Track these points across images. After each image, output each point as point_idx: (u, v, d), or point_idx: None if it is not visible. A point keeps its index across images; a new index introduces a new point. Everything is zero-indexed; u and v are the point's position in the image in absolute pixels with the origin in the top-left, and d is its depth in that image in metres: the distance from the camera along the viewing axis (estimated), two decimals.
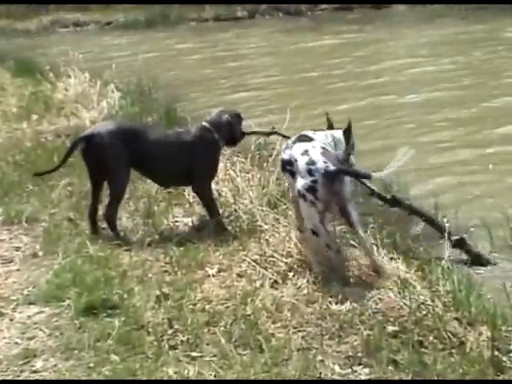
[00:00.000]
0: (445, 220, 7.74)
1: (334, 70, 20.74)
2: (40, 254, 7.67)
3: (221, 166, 9.36)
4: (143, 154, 8.21)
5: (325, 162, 6.94)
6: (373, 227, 8.11)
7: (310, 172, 6.94)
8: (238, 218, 8.40)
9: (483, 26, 26.42)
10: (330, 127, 7.84)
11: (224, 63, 23.24)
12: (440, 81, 18.36)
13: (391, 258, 7.30)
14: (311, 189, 6.93)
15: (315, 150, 7.10)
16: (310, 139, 7.38)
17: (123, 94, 15.04)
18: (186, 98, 16.40)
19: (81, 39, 28.60)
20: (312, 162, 6.97)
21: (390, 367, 5.58)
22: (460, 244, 7.87)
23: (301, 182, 6.99)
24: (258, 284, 6.82)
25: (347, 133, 7.71)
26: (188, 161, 8.28)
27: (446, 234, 7.55)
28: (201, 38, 29.06)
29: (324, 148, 7.23)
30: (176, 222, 8.58)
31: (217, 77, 20.71)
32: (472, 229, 8.86)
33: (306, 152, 7.07)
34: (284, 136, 8.60)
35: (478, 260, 8.01)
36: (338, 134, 7.74)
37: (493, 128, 13.85)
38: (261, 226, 8.03)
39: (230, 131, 8.47)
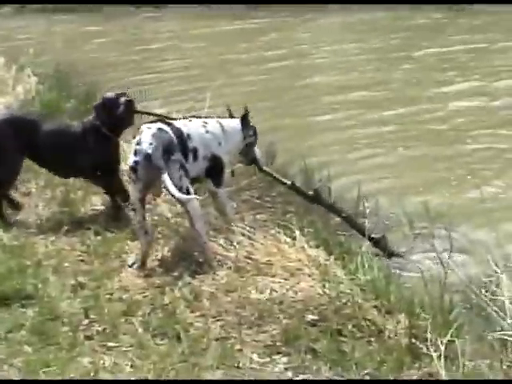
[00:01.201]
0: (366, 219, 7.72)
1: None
2: None
3: None
4: (37, 145, 8.24)
5: (150, 144, 6.97)
6: (293, 215, 8.17)
7: (135, 152, 7.04)
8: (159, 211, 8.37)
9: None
10: (231, 117, 7.90)
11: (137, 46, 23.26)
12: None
13: (311, 247, 7.33)
14: (133, 169, 7.04)
15: (148, 131, 7.12)
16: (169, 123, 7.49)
17: (40, 78, 14.88)
18: (105, 83, 16.28)
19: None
20: (138, 143, 7.05)
21: (308, 356, 5.63)
22: (378, 243, 7.90)
23: (129, 161, 7.14)
24: (176, 273, 6.82)
25: (244, 120, 7.83)
26: (79, 152, 8.25)
27: (366, 232, 7.57)
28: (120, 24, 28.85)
29: (161, 129, 7.21)
30: (94, 210, 8.53)
31: (131, 60, 20.60)
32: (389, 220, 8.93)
33: (140, 132, 7.16)
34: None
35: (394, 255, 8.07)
36: (231, 122, 7.87)
37: None
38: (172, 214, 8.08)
39: (109, 115, 8.30)
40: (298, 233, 7.34)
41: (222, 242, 7.35)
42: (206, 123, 7.70)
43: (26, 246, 7.46)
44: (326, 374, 5.43)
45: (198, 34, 25.49)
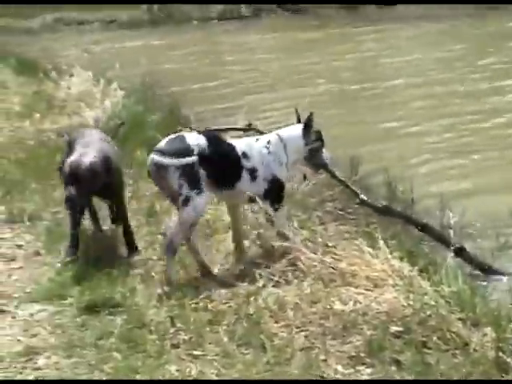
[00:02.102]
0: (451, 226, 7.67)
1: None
2: (42, 252, 7.72)
3: None
4: None
5: (155, 152, 7.05)
6: (376, 226, 8.16)
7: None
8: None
9: None
10: (298, 121, 7.73)
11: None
12: None
13: (394, 258, 7.30)
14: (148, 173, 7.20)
15: (166, 139, 7.23)
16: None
17: (127, 92, 15.00)
18: (189, 96, 16.44)
19: (84, 37, 28.59)
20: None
21: (392, 367, 5.62)
22: (460, 253, 7.83)
23: None
24: (260, 284, 6.83)
25: (307, 127, 7.57)
26: None
27: (450, 238, 7.50)
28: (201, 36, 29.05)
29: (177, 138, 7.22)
30: None
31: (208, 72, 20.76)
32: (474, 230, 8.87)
33: None
34: (260, 132, 8.45)
35: (479, 266, 8.00)
36: (291, 131, 7.65)
37: None
38: (263, 226, 8.04)
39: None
40: (381, 243, 7.30)
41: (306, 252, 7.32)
42: (268, 143, 7.50)
43: (115, 256, 7.57)
44: None
45: (273, 45, 25.63)
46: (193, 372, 5.40)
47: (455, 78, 18.43)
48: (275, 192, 7.44)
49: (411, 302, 6.36)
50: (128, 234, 7.90)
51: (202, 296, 6.63)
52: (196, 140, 7.14)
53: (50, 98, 14.92)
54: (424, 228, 8.32)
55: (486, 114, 14.78)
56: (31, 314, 6.39)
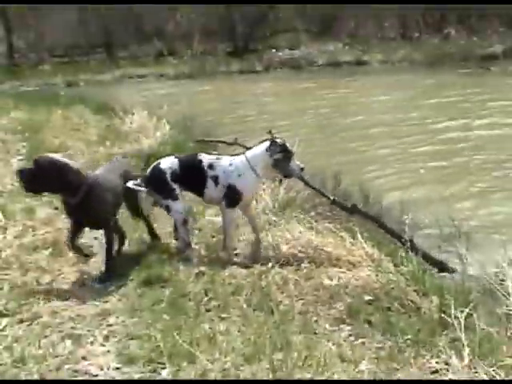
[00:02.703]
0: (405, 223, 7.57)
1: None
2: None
3: None
4: None
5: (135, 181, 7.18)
6: (355, 223, 8.12)
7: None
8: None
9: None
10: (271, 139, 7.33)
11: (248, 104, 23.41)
12: None
13: (368, 246, 7.28)
14: None
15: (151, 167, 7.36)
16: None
17: (172, 126, 15.00)
18: (217, 126, 16.44)
19: (142, 87, 28.62)
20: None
21: (366, 325, 5.61)
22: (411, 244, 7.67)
23: None
24: (270, 265, 6.81)
25: (271, 142, 7.22)
26: None
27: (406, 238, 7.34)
28: (226, 84, 29.06)
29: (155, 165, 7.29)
30: (209, 219, 8.52)
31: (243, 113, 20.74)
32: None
33: None
34: (243, 145, 8.21)
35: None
36: (257, 149, 7.32)
37: None
38: (271, 223, 8.04)
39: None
40: (359, 236, 7.29)
41: (305, 242, 7.31)
42: (233, 159, 7.33)
43: (163, 243, 7.48)
44: (378, 338, 5.41)
45: (278, 91, 25.68)
46: (221, 328, 5.37)
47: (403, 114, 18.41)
48: (230, 195, 7.25)
49: (380, 278, 6.38)
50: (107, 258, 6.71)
51: (226, 274, 6.62)
52: (170, 164, 7.20)
53: (117, 130, 14.88)
54: (380, 224, 8.25)
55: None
56: (104, 287, 6.38)
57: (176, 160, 7.26)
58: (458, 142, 14.27)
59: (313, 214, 8.54)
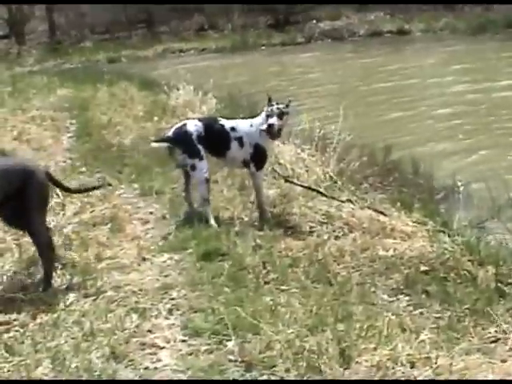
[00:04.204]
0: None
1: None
2: (167, 216, 7.73)
3: (292, 150, 9.41)
4: None
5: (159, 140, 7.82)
6: (406, 195, 8.13)
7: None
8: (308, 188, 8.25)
9: None
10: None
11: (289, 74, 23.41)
12: None
13: (422, 216, 7.30)
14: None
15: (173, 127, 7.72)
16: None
17: (218, 100, 15.05)
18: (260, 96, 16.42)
19: (185, 61, 28.67)
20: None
21: (423, 296, 5.64)
22: None
23: None
24: (325, 237, 6.86)
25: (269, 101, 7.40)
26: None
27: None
28: (270, 59, 28.99)
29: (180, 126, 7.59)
30: None
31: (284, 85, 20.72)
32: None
33: None
34: None
35: None
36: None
37: None
38: (323, 194, 8.05)
39: None
40: (414, 206, 7.31)
41: (358, 214, 7.33)
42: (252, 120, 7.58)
43: (218, 218, 7.50)
44: (436, 308, 5.44)
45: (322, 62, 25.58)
46: (282, 301, 5.41)
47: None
48: (258, 155, 7.50)
49: (434, 249, 6.38)
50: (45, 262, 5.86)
51: (283, 246, 6.65)
52: (194, 126, 7.47)
53: (164, 106, 14.92)
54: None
55: None
56: (163, 261, 6.45)
57: (200, 123, 7.57)
58: None
59: (365, 185, 8.55)
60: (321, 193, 7.99)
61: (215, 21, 38.78)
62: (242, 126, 7.57)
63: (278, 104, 7.38)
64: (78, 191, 6.96)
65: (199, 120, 7.74)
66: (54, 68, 30.36)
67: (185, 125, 7.57)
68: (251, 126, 7.51)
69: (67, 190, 6.46)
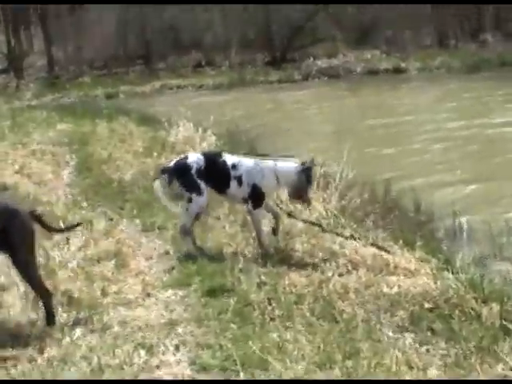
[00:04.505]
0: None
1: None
2: (171, 252, 7.73)
3: None
4: None
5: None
6: (408, 232, 8.16)
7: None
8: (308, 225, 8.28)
9: None
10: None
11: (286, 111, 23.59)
12: None
13: (424, 254, 7.34)
14: None
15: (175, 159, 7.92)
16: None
17: (217, 136, 15.11)
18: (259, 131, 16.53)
19: (182, 98, 28.79)
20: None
21: (429, 333, 5.65)
22: None
23: None
24: (329, 274, 6.87)
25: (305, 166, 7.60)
26: None
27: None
28: (267, 96, 29.15)
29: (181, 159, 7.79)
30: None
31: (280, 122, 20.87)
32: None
33: None
34: None
35: None
36: (286, 164, 7.65)
37: None
38: (323, 229, 8.07)
39: None
40: (417, 244, 7.34)
41: (362, 251, 7.36)
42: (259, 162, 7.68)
43: (221, 254, 7.54)
44: (441, 345, 5.45)
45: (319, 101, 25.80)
46: (288, 337, 5.41)
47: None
48: (255, 194, 7.59)
49: (438, 286, 6.41)
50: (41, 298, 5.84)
51: (287, 283, 6.65)
52: (195, 159, 7.61)
53: (163, 142, 14.96)
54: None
55: None
56: (168, 297, 6.45)
57: (202, 157, 7.70)
58: None
59: (367, 222, 8.58)
60: (324, 229, 8.00)
61: (212, 57, 39.10)
62: (244, 163, 7.66)
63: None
64: (60, 230, 6.86)
65: (202, 154, 7.86)
66: (52, 102, 30.48)
67: (186, 157, 7.74)
68: (255, 165, 7.61)
69: (51, 229, 6.36)
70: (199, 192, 7.52)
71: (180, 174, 7.57)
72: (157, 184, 7.79)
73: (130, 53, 40.73)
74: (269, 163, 7.65)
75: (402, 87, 27.61)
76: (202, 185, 7.52)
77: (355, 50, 35.97)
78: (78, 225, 7.00)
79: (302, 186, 7.58)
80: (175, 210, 7.86)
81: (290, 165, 7.62)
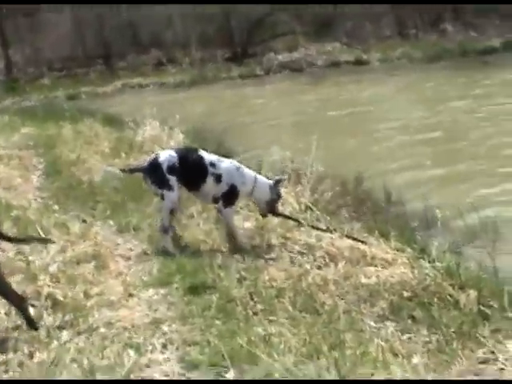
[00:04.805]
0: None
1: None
2: (148, 252, 7.78)
3: None
4: None
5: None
6: (382, 223, 8.29)
7: None
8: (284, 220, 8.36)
9: None
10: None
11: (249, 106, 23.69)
12: None
13: (400, 244, 7.48)
14: None
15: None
16: None
17: (185, 135, 15.13)
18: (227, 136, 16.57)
19: (145, 96, 28.74)
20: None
21: (409, 321, 5.80)
22: None
23: None
24: (307, 267, 6.98)
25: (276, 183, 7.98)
26: None
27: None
28: (230, 92, 29.22)
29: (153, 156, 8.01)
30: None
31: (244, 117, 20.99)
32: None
33: None
34: None
35: None
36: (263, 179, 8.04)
37: None
38: (300, 224, 8.17)
39: None
40: (391, 234, 7.49)
41: (338, 244, 7.48)
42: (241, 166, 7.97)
43: (199, 252, 7.62)
44: (423, 332, 5.59)
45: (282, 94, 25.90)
46: (274, 331, 5.48)
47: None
48: (231, 194, 7.80)
49: (416, 275, 6.55)
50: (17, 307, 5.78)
51: (267, 278, 6.73)
52: (167, 156, 7.76)
53: (130, 142, 14.93)
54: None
55: None
56: (150, 296, 6.49)
57: (175, 153, 7.81)
58: None
59: (340, 215, 8.70)
60: (300, 222, 8.10)
61: (173, 55, 39.00)
62: (226, 163, 7.86)
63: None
64: (21, 241, 6.84)
65: (175, 151, 7.96)
66: (13, 106, 30.23)
67: (157, 155, 7.88)
68: (236, 168, 7.87)
69: (9, 239, 6.31)
70: (170, 188, 7.66)
71: (151, 171, 7.74)
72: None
73: (89, 52, 40.48)
74: (250, 172, 7.95)
75: (363, 79, 27.79)
76: (173, 181, 7.65)
77: (316, 42, 36.15)
78: (48, 240, 7.16)
79: (273, 201, 7.92)
80: None
81: (267, 181, 7.97)
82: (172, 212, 7.82)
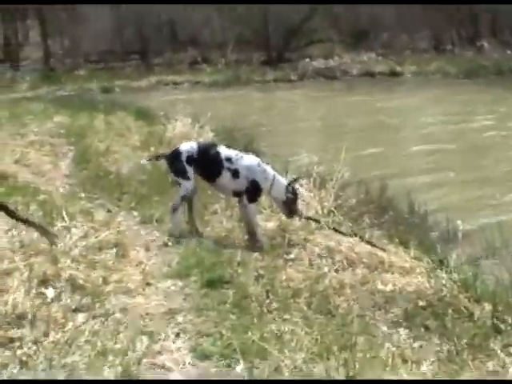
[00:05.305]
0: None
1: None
2: (169, 244, 7.82)
3: None
4: None
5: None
6: (403, 231, 8.29)
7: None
8: (308, 221, 8.39)
9: None
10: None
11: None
12: None
13: (419, 253, 7.49)
14: None
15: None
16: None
17: (215, 133, 15.21)
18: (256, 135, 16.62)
19: (178, 93, 28.91)
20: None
21: (422, 329, 5.80)
22: None
23: None
24: (326, 270, 7.00)
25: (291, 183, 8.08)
26: None
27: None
28: (263, 95, 29.28)
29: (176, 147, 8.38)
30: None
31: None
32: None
33: None
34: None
35: None
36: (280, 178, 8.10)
37: None
38: (320, 224, 8.20)
39: None
40: (411, 243, 7.49)
41: (358, 249, 7.50)
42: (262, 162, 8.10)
43: (220, 248, 7.64)
44: (435, 341, 5.60)
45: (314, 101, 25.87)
46: (286, 329, 5.52)
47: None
48: (254, 189, 7.93)
49: (432, 285, 6.54)
50: None
51: (284, 277, 6.76)
52: (188, 147, 8.08)
53: (160, 137, 15.05)
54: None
55: None
56: (167, 287, 6.54)
57: (196, 145, 8.15)
58: None
59: (362, 222, 8.71)
60: (322, 225, 8.14)
61: (209, 55, 39.18)
62: (245, 160, 7.97)
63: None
64: (25, 221, 7.11)
65: (196, 143, 8.31)
66: (47, 95, 30.55)
67: (180, 145, 8.22)
68: (258, 163, 7.99)
69: (13, 216, 6.43)
70: (186, 177, 7.97)
71: (172, 160, 8.09)
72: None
73: (126, 47, 40.83)
74: (270, 169, 8.08)
75: (395, 90, 27.76)
76: (190, 171, 7.96)
77: (351, 51, 36.18)
78: (50, 235, 7.21)
79: (290, 200, 7.99)
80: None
81: (283, 181, 8.10)
82: (185, 199, 8.09)
